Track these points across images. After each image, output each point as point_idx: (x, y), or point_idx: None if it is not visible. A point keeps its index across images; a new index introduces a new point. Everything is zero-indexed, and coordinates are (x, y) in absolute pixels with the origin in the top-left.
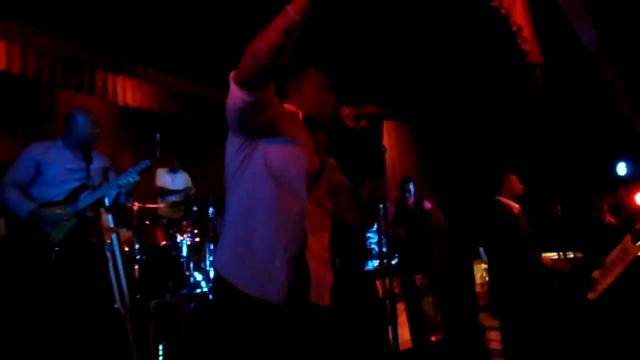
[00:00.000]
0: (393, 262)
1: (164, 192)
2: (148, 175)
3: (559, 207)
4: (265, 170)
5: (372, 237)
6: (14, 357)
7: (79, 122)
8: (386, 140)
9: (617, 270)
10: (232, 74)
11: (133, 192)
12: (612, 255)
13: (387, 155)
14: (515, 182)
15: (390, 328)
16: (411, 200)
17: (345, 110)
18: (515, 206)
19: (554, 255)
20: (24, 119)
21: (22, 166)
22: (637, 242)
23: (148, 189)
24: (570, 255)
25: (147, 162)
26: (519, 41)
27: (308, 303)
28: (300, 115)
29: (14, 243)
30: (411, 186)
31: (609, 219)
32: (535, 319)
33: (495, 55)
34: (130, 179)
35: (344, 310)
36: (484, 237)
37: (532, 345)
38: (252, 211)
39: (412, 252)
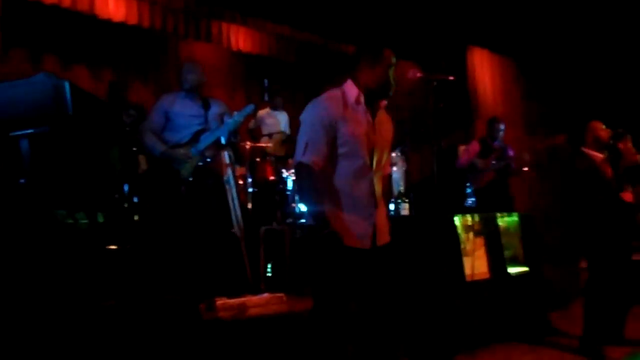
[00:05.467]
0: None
1: (257, 133)
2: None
3: None
4: None
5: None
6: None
7: (189, 73)
8: (488, 77)
9: None
10: None
11: (238, 132)
12: None
13: (487, 94)
14: (599, 130)
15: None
16: (496, 143)
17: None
18: (599, 155)
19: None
20: (153, 68)
21: (155, 116)
22: None
23: (257, 130)
24: None
25: (252, 106)
26: None
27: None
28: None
29: (153, 176)
30: (499, 128)
31: None
32: (616, 265)
33: None
34: (235, 121)
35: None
36: (566, 188)
37: (612, 289)
38: None
39: (491, 194)
